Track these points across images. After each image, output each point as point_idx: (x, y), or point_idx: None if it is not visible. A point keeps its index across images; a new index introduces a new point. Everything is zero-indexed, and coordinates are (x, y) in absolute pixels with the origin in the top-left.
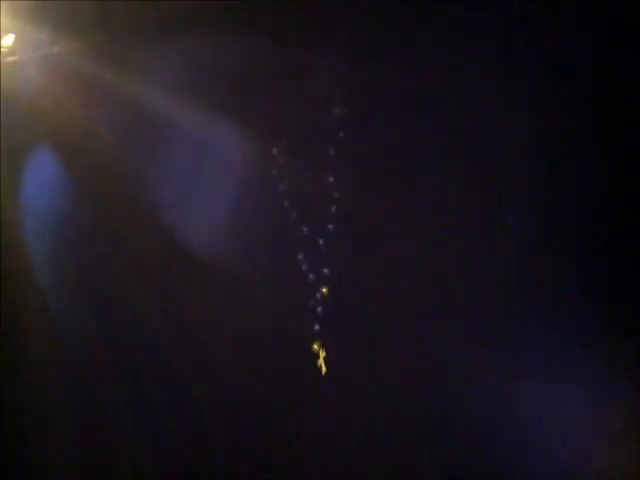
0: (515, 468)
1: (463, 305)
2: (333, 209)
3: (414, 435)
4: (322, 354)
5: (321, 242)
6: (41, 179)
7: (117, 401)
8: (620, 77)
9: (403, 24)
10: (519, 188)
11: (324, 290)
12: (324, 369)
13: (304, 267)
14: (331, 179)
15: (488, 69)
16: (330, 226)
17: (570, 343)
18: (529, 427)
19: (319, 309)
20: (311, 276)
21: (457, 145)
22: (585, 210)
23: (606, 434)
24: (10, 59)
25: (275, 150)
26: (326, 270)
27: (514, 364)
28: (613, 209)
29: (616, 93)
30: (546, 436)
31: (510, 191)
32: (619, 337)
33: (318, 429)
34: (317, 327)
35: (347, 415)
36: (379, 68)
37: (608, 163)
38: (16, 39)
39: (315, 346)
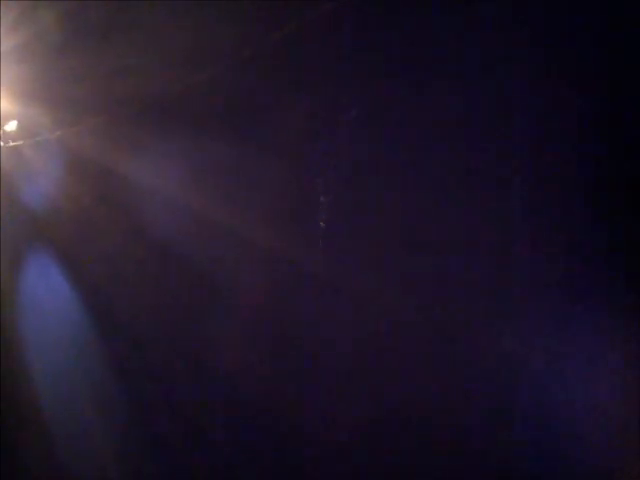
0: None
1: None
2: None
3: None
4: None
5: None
6: (41, 261)
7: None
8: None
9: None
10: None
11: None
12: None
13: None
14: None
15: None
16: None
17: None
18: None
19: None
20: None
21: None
22: (590, 204)
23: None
24: (12, 144)
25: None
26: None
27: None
28: (615, 205)
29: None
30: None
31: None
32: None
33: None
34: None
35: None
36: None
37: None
38: (19, 124)
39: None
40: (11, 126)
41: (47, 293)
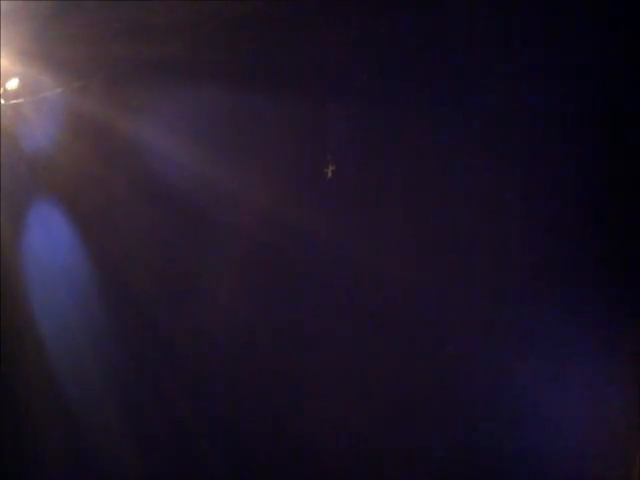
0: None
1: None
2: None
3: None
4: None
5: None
6: (42, 218)
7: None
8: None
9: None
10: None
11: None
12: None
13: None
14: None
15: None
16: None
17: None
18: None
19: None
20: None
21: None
22: (588, 206)
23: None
24: (14, 101)
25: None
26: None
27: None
28: (614, 206)
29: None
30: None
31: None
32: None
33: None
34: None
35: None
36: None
37: (609, 161)
38: (20, 82)
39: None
40: (12, 84)
41: (48, 249)
